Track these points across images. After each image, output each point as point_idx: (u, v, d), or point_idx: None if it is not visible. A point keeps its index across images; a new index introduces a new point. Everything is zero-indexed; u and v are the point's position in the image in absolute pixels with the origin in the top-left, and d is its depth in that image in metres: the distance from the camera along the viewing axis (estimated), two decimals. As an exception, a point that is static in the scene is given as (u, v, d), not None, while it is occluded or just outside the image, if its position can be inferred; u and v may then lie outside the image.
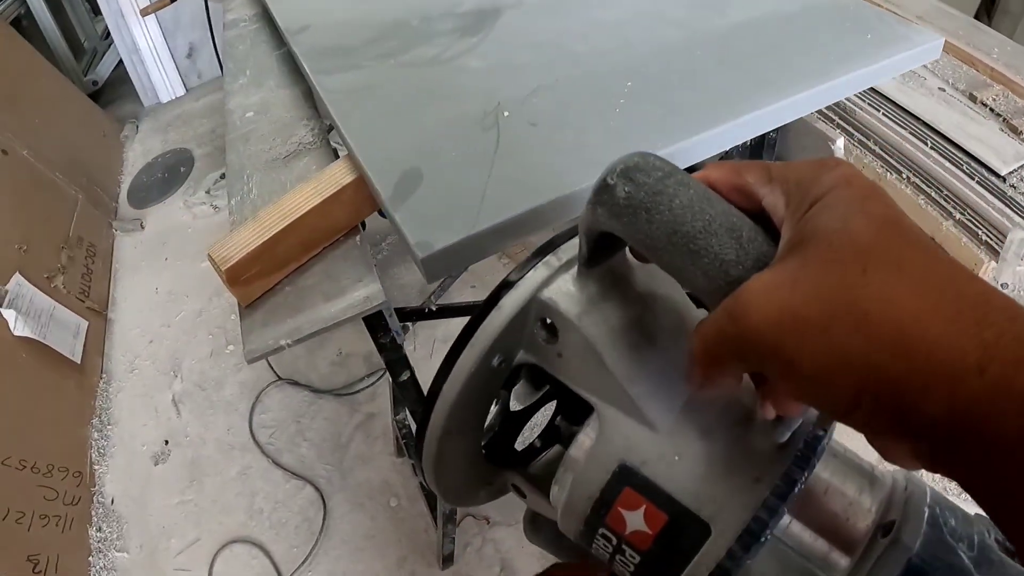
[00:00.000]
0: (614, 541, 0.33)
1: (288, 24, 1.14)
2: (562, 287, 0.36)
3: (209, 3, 1.42)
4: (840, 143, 1.76)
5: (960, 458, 0.22)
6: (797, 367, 0.24)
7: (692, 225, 0.29)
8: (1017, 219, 1.87)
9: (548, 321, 0.36)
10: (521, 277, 0.36)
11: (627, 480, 0.32)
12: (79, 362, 1.96)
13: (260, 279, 0.73)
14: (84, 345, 2.01)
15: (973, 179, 1.94)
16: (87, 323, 2.08)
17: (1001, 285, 1.98)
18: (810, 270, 0.24)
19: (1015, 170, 1.91)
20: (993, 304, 0.22)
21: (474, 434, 0.41)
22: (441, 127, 0.80)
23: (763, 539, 0.29)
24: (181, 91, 3.24)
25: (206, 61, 3.25)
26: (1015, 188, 1.89)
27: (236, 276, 0.70)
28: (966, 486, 0.22)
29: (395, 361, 0.90)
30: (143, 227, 2.56)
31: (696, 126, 0.72)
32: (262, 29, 1.34)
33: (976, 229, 1.94)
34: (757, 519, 0.29)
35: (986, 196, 1.91)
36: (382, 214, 0.77)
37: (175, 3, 2.23)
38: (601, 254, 0.35)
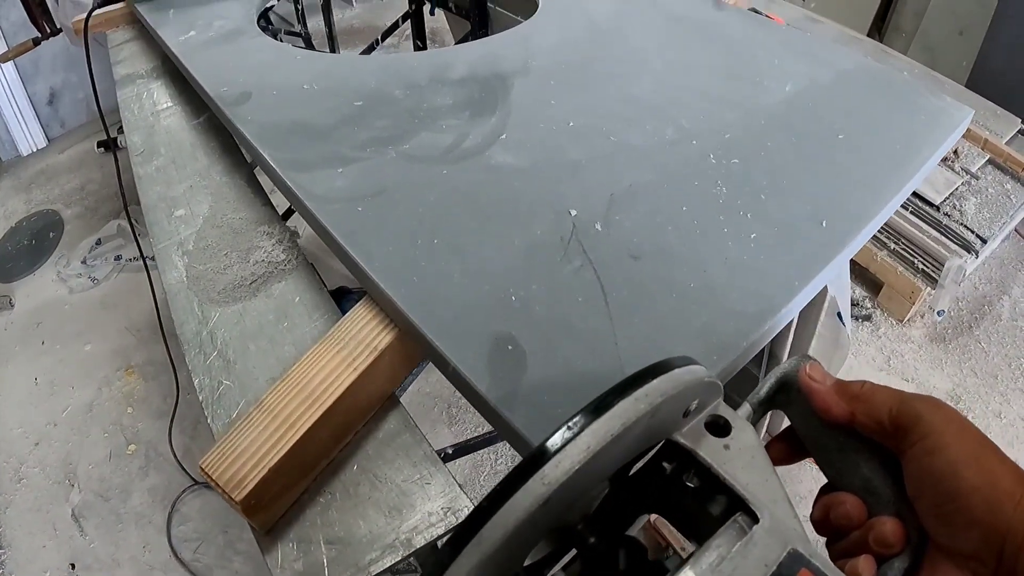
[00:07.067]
0: None
1: (218, 90, 0.91)
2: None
3: (89, 47, 1.19)
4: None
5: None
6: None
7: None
8: (953, 247, 1.88)
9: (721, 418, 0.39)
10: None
11: (802, 562, 0.32)
12: (-49, 479, 1.65)
13: (284, 495, 0.52)
14: (-45, 458, 1.69)
15: (907, 209, 1.95)
16: (-44, 430, 1.75)
17: (937, 313, 2.00)
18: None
19: (947, 198, 1.93)
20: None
21: None
22: (513, 264, 0.60)
23: None
24: (43, 142, 2.89)
25: (69, 108, 2.90)
26: (949, 216, 1.91)
27: (258, 503, 0.49)
28: None
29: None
30: (12, 305, 2.23)
31: (821, 250, 0.59)
32: (166, 88, 1.13)
33: (912, 258, 1.94)
34: None
35: (921, 226, 1.92)
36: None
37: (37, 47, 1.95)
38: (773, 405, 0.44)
